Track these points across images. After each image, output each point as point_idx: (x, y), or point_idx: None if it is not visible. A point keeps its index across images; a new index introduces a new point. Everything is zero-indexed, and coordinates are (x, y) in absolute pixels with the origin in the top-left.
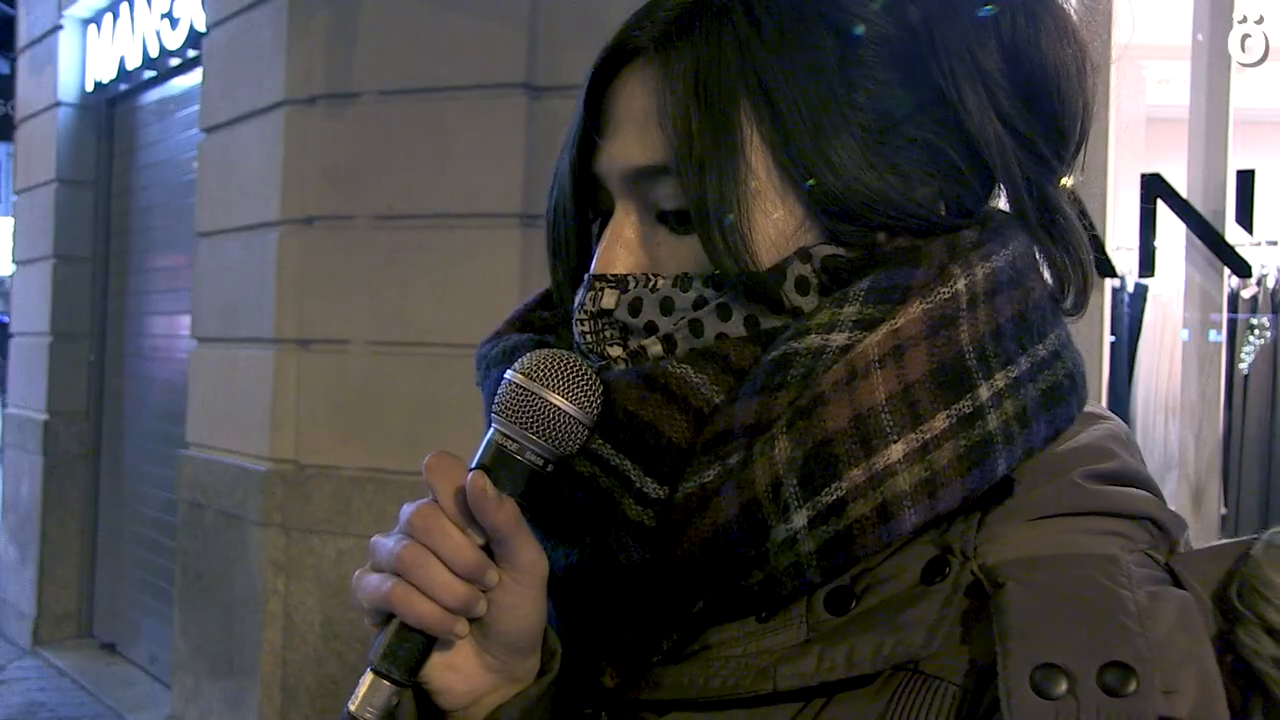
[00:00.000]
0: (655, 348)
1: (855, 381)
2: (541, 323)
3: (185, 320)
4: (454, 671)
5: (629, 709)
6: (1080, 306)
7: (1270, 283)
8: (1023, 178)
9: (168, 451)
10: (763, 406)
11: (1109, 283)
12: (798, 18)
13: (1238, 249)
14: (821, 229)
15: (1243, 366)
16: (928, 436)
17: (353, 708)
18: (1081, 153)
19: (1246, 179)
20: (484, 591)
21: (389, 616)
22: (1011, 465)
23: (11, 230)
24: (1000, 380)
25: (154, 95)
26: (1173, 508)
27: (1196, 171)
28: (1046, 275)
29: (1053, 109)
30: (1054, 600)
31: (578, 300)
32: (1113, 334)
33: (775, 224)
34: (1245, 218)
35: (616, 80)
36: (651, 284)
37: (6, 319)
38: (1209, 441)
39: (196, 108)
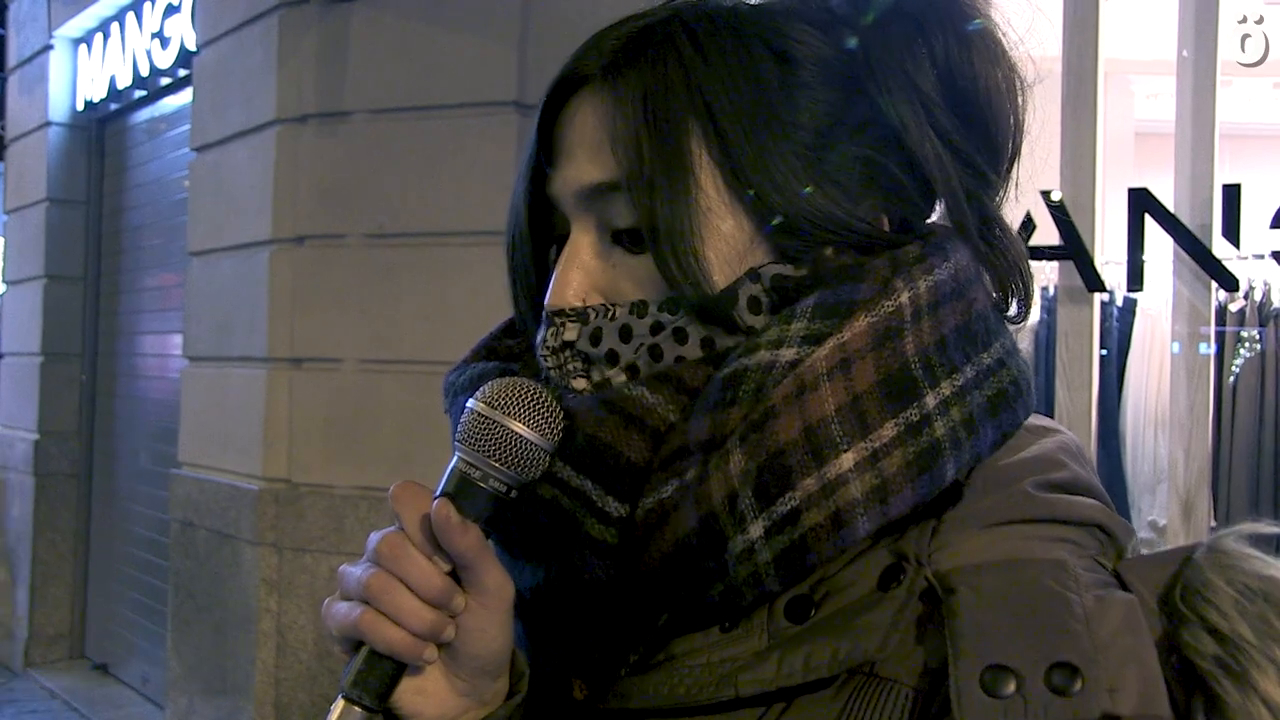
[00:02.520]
0: (619, 378)
1: (805, 394)
2: (506, 350)
3: (177, 339)
4: (423, 696)
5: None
6: (1024, 314)
7: (1257, 296)
8: (962, 190)
9: (160, 471)
10: (716, 422)
11: (1098, 297)
12: (740, 43)
13: (1225, 263)
14: (771, 246)
15: (1231, 379)
16: (877, 445)
17: None
18: (1015, 168)
19: (1233, 193)
20: (451, 616)
21: (359, 643)
22: (960, 470)
23: (2, 250)
24: (946, 389)
25: (145, 114)
26: (1163, 521)
27: (1183, 186)
28: (990, 287)
29: (986, 125)
30: (1003, 604)
31: (539, 337)
32: (1102, 348)
33: (726, 241)
34: (1232, 232)
35: (567, 108)
36: (610, 313)
37: None
38: (1198, 454)
39: (187, 127)
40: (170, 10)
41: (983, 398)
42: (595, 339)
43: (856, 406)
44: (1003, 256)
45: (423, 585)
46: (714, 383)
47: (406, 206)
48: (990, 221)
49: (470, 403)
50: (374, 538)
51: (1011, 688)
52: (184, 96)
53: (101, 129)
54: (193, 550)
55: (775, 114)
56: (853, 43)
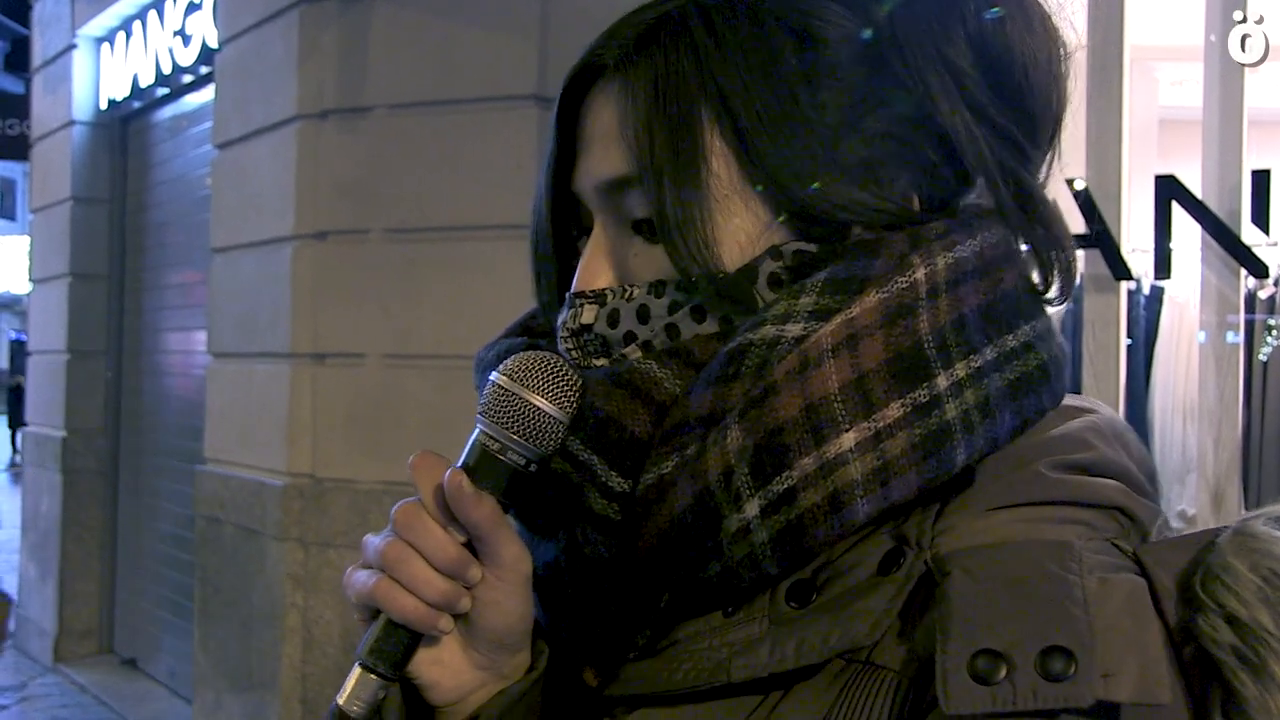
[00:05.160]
0: (635, 354)
1: (808, 371)
2: (540, 329)
3: (201, 336)
4: (441, 667)
5: (604, 706)
6: (1065, 294)
7: None
8: (997, 166)
9: (185, 467)
10: (717, 397)
11: (1124, 285)
12: (755, 24)
13: (1254, 249)
14: (792, 228)
15: (1261, 367)
16: (880, 425)
17: (340, 701)
18: (1057, 140)
19: (1262, 179)
20: (468, 588)
21: (377, 612)
22: (972, 455)
23: (28, 248)
24: (961, 370)
25: (167, 112)
26: (1192, 510)
27: (1211, 172)
28: (1031, 268)
29: (1022, 97)
30: (997, 586)
31: (559, 319)
32: (1129, 337)
33: (741, 227)
34: (1261, 218)
35: (585, 100)
36: (627, 294)
37: (24, 337)
38: (1228, 444)
39: (209, 124)
40: (192, 8)
41: (1003, 381)
42: (613, 320)
43: (861, 385)
44: (1043, 235)
45: (437, 554)
46: (718, 357)
47: (427, 201)
48: (1030, 198)
49: (492, 375)
50: (395, 508)
51: (1002, 673)
52: (206, 94)
53: (124, 127)
54: (219, 546)
55: (793, 97)
56: (881, 16)
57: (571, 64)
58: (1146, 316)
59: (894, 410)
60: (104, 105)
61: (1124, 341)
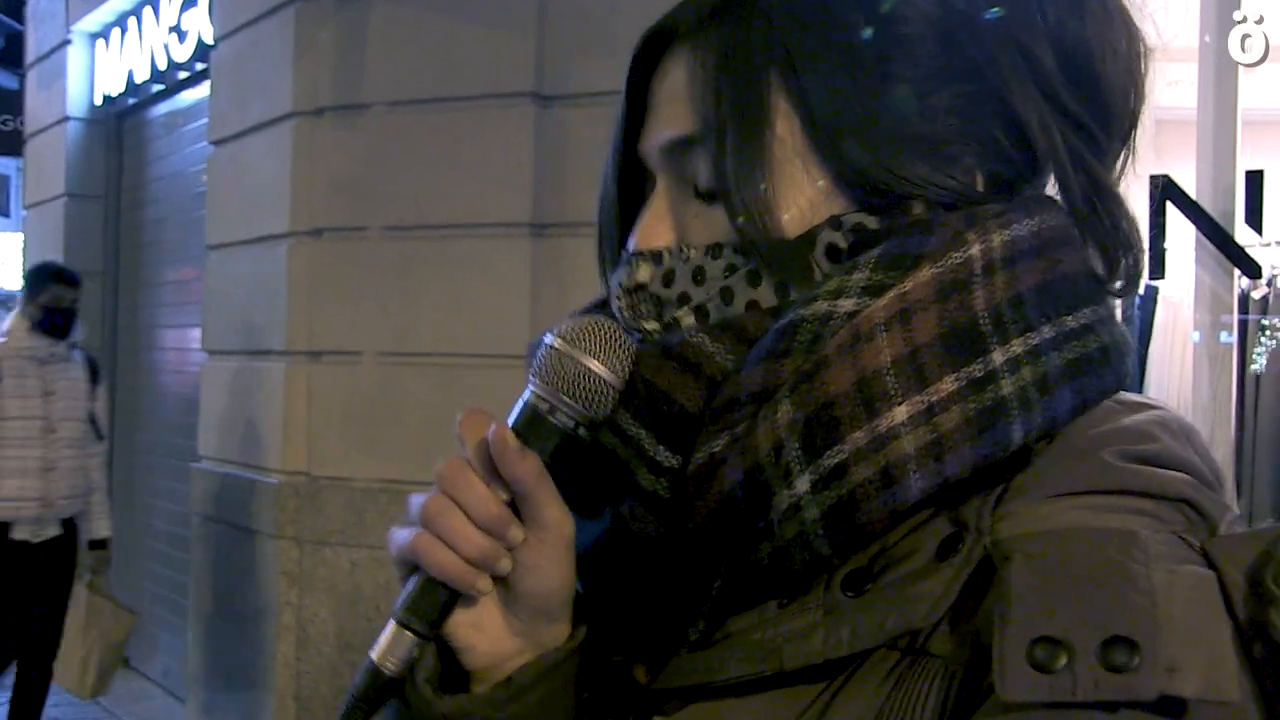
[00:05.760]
0: (688, 319)
1: (859, 345)
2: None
3: (196, 333)
4: (478, 631)
5: (654, 700)
6: (1131, 285)
7: None
8: (1068, 154)
9: (180, 465)
10: (769, 372)
11: None
12: None
13: (1248, 250)
14: (853, 198)
15: (1254, 367)
16: (934, 399)
17: (375, 656)
18: (1133, 137)
19: (1256, 180)
20: (509, 550)
21: (416, 569)
22: (1029, 433)
23: (22, 245)
24: (1018, 346)
25: (163, 109)
26: None
27: (1205, 173)
28: (1087, 253)
29: (1097, 88)
30: (1059, 573)
31: (615, 278)
32: None
33: (802, 192)
34: (1255, 218)
35: (658, 67)
36: (685, 255)
37: None
38: (1222, 443)
39: (205, 121)
40: (187, 4)
41: (1061, 360)
42: (668, 280)
43: (915, 359)
44: (1110, 225)
45: (477, 510)
46: (770, 333)
47: (424, 199)
48: (1100, 187)
49: (546, 337)
50: (440, 464)
51: (1062, 662)
52: (201, 90)
53: (119, 123)
54: (213, 544)
55: (862, 66)
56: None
57: (570, 61)
58: (1141, 316)
59: (947, 384)
60: (99, 101)
61: None
